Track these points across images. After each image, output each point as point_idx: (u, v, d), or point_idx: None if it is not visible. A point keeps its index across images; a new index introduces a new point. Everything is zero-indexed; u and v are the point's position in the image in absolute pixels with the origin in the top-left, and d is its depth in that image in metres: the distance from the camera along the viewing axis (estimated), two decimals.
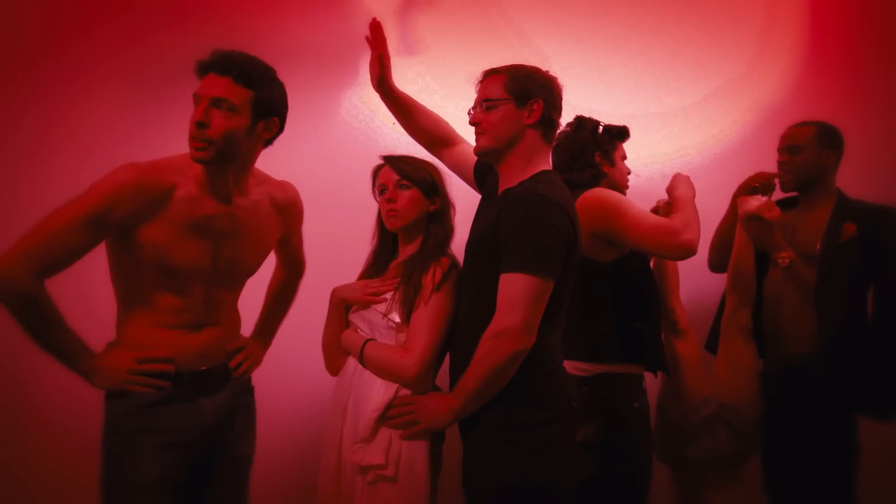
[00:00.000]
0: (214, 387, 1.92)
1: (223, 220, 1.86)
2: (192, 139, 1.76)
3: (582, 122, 2.43)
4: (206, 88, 1.76)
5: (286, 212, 2.04)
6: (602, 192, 2.26)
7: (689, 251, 2.14)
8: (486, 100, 1.96)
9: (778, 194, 2.71)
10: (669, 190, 2.38)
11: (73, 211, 1.71)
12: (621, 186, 2.44)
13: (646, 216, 2.19)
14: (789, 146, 2.64)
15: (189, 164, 1.80)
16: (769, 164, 2.73)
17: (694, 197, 2.30)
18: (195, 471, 1.90)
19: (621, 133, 2.44)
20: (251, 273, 2.00)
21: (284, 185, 2.05)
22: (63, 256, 1.71)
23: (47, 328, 1.75)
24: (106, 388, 1.83)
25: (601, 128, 2.42)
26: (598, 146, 2.38)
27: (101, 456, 1.85)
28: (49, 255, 1.70)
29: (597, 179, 2.37)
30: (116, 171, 1.74)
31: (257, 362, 2.08)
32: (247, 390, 2.05)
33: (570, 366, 2.20)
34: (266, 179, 2.01)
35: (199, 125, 1.74)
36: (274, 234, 2.04)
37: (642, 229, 2.14)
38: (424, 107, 2.32)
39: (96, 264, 1.85)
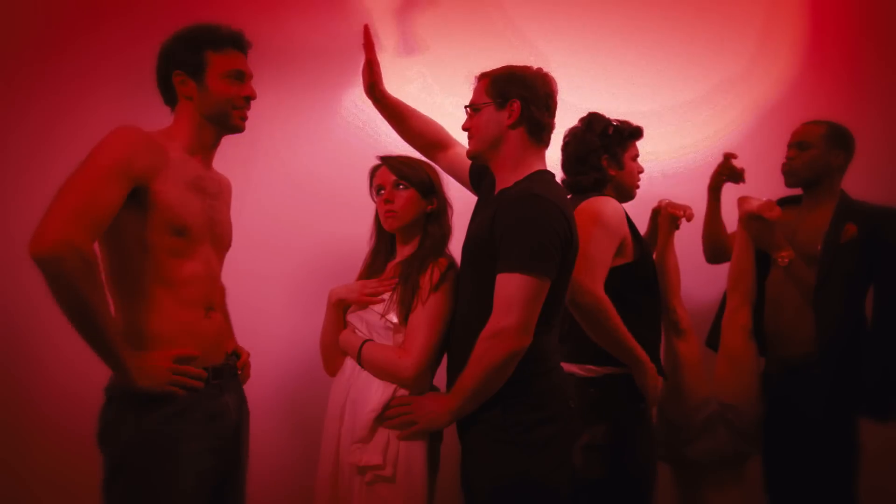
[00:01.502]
0: (229, 382, 1.87)
1: (209, 182, 1.88)
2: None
3: (592, 123, 2.37)
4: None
5: (229, 196, 2.04)
6: (595, 212, 2.21)
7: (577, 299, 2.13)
8: (471, 104, 2.00)
9: (780, 192, 2.70)
10: None
11: (99, 167, 1.62)
12: (630, 187, 2.41)
13: (586, 263, 2.10)
14: (799, 142, 2.63)
15: (169, 135, 1.84)
16: (768, 162, 2.73)
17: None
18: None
19: (633, 133, 2.39)
20: (229, 245, 1.97)
21: (220, 173, 2.03)
22: (106, 214, 1.60)
23: (103, 307, 1.59)
24: (150, 389, 1.68)
25: (611, 128, 2.36)
26: (606, 149, 2.34)
27: (119, 478, 1.69)
28: (96, 214, 1.58)
29: (601, 184, 2.34)
30: (119, 129, 1.70)
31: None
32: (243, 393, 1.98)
33: (577, 368, 2.20)
34: None
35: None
36: None
37: (579, 262, 2.05)
38: (417, 111, 2.32)
39: None
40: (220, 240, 1.91)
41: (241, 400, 1.93)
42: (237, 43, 1.89)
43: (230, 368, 1.89)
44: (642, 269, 2.31)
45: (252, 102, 1.91)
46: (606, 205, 2.25)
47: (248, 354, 2.00)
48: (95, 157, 1.64)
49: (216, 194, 1.90)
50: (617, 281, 2.21)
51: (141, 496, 1.68)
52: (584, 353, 2.22)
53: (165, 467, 1.69)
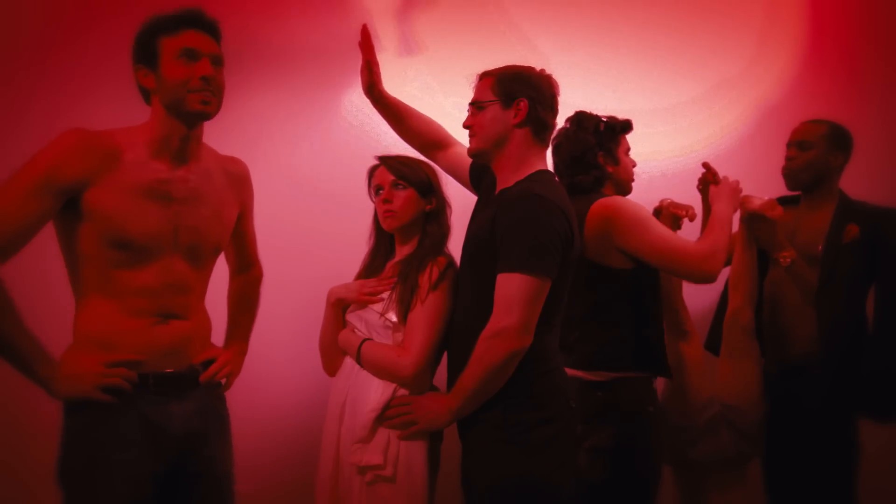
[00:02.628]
0: (182, 391, 1.74)
1: (179, 185, 1.72)
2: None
3: (582, 121, 2.35)
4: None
5: (240, 185, 1.91)
6: (624, 206, 2.19)
7: (708, 280, 2.14)
8: (475, 102, 1.99)
9: (780, 192, 2.70)
10: (711, 198, 2.34)
11: (21, 180, 1.58)
12: (627, 182, 2.40)
13: (669, 239, 2.15)
14: (799, 141, 2.63)
15: (137, 132, 1.72)
16: (767, 162, 2.73)
17: (734, 212, 2.28)
18: (172, 490, 1.73)
19: (624, 127, 2.37)
20: (217, 249, 1.85)
21: (235, 159, 1.93)
22: (19, 231, 1.57)
23: (6, 325, 1.58)
24: (70, 397, 1.64)
25: (602, 124, 2.35)
26: (601, 146, 2.32)
27: (61, 483, 1.66)
28: (4, 231, 1.55)
29: (601, 182, 2.32)
30: (61, 135, 1.64)
31: (236, 371, 1.94)
32: (219, 398, 1.87)
33: (584, 373, 2.19)
34: (214, 151, 1.88)
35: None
36: (233, 207, 1.89)
37: (666, 252, 2.12)
38: (416, 111, 2.32)
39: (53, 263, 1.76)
40: (193, 249, 1.76)
41: (204, 410, 1.79)
42: (192, 21, 1.70)
43: (186, 378, 1.76)
44: (650, 270, 2.30)
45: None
46: (623, 201, 2.23)
47: (220, 360, 1.86)
48: (23, 170, 1.60)
49: (188, 199, 1.74)
50: (627, 284, 2.21)
51: (76, 498, 1.66)
52: (595, 361, 2.20)
53: (95, 472, 1.64)
